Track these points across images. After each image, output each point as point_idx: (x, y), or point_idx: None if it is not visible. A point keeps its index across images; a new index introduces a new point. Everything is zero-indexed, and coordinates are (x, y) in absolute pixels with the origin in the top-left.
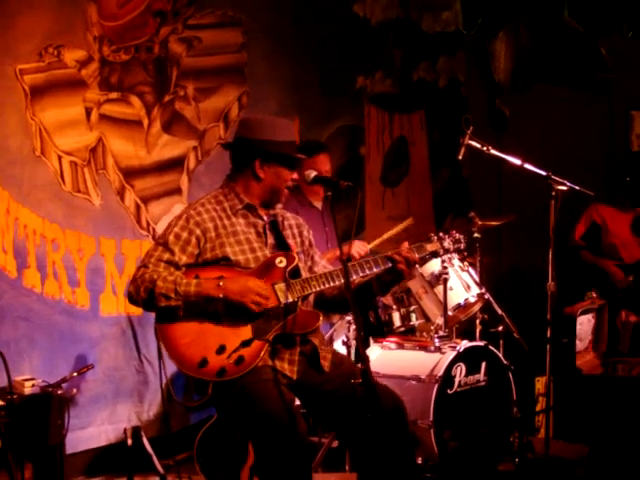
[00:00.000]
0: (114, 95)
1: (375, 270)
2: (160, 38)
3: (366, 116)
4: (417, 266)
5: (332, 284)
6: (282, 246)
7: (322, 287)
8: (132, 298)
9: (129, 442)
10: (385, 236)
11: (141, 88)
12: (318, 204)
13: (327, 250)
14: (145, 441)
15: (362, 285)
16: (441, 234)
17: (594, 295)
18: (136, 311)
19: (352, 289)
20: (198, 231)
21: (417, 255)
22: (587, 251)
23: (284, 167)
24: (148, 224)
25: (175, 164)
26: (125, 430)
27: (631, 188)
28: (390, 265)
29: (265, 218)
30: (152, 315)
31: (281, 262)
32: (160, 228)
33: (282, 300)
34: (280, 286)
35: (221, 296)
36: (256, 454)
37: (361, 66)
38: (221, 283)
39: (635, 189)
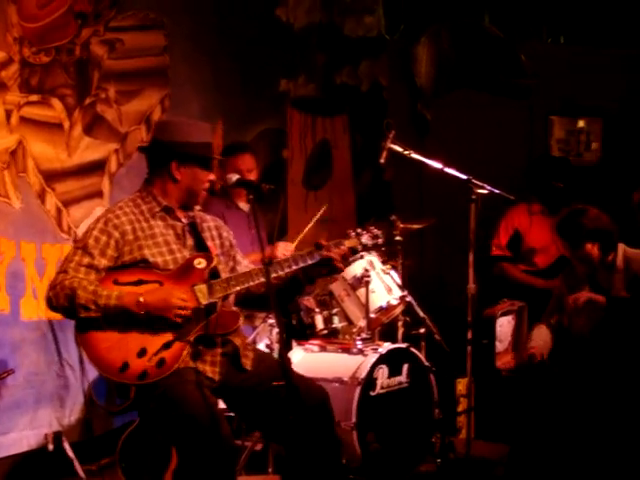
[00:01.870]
0: (35, 97)
1: (296, 267)
2: (81, 40)
3: (289, 119)
4: None
5: (252, 283)
6: (201, 248)
7: (242, 286)
8: (51, 304)
9: (50, 447)
10: (305, 229)
11: (62, 90)
12: (244, 206)
13: (252, 252)
14: (67, 446)
15: (289, 279)
16: (359, 230)
17: (507, 302)
18: (57, 315)
19: (279, 283)
20: (117, 234)
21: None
22: (509, 264)
23: (200, 168)
24: (69, 228)
25: (96, 167)
26: (46, 435)
27: (550, 193)
28: (316, 260)
29: (183, 220)
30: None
31: (200, 263)
32: (81, 232)
33: (202, 301)
34: (200, 287)
35: (142, 313)
36: (179, 457)
37: (284, 70)
38: (141, 299)
39: (554, 194)
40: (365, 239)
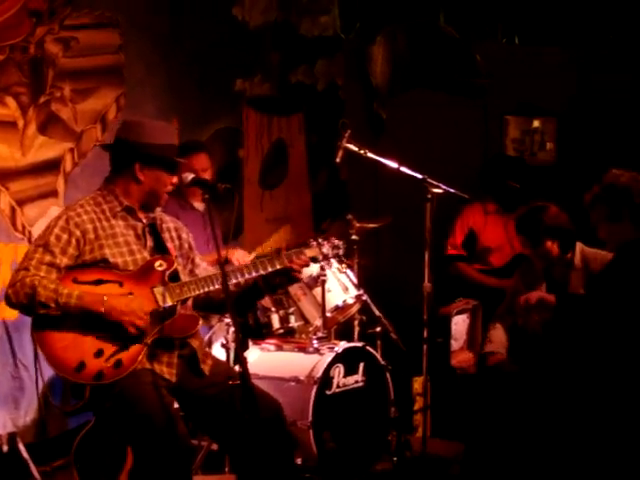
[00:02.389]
0: None
1: (256, 274)
2: (36, 38)
3: (244, 119)
4: None
5: (211, 288)
6: (161, 249)
7: (201, 291)
8: (10, 302)
9: (4, 449)
10: (265, 245)
11: (16, 89)
12: (199, 206)
13: (208, 253)
14: (21, 447)
15: (250, 285)
16: (320, 240)
17: (462, 301)
18: (11, 316)
19: (238, 290)
20: (78, 232)
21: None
22: (464, 263)
23: (164, 171)
24: (24, 227)
25: (51, 166)
26: (0, 437)
27: (505, 192)
28: (276, 268)
29: (144, 221)
30: (28, 320)
31: (160, 265)
32: (36, 231)
33: (161, 304)
34: (159, 289)
35: (103, 310)
36: (135, 458)
37: (240, 69)
38: (105, 298)
39: (508, 193)
40: (326, 249)
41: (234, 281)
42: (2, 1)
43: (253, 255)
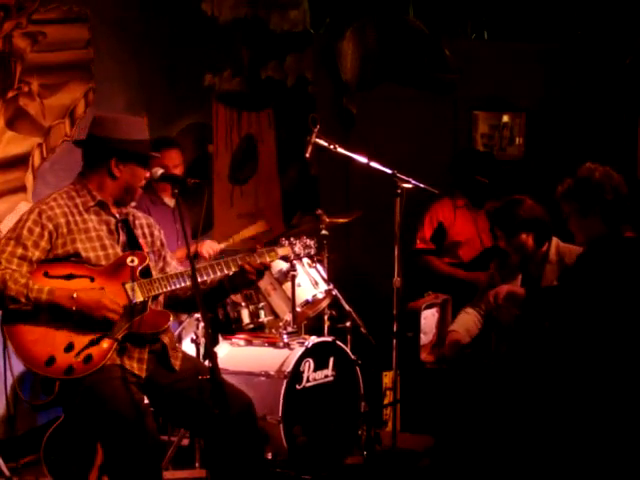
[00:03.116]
0: None
1: (225, 272)
2: (3, 33)
3: (214, 114)
4: None
5: (182, 285)
6: (133, 245)
7: (172, 287)
8: None
9: None
10: (236, 237)
11: None
12: (170, 202)
13: (178, 248)
14: None
15: (215, 285)
16: (292, 239)
17: (431, 295)
18: None
19: (205, 288)
20: (50, 226)
21: (268, 259)
22: (433, 257)
23: (139, 166)
24: None
25: (19, 161)
26: None
27: (473, 187)
28: (235, 269)
29: (117, 216)
30: None
31: (132, 261)
32: (5, 227)
33: (132, 299)
34: (131, 285)
35: (74, 309)
36: (105, 453)
37: (209, 64)
38: (75, 295)
39: (477, 188)
40: (298, 248)
41: (204, 278)
42: None
43: (222, 245)
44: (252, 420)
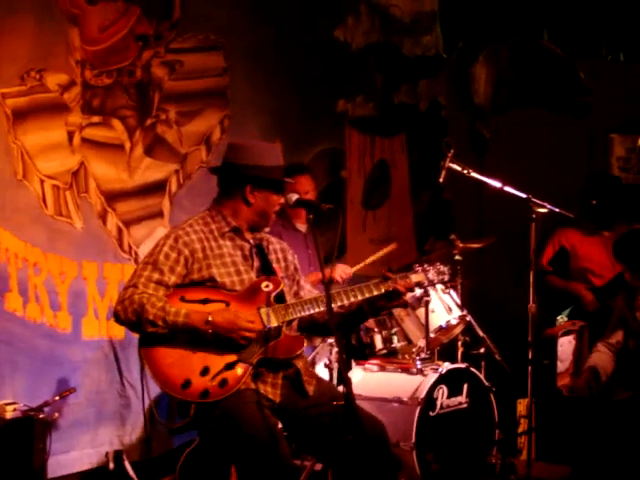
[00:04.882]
0: (96, 119)
1: (362, 297)
2: (142, 62)
3: (347, 140)
4: None
5: (317, 310)
6: (267, 270)
7: (307, 313)
8: (119, 318)
9: (111, 466)
10: (368, 260)
11: (123, 112)
12: (301, 227)
13: (310, 273)
14: (127, 465)
15: (354, 309)
16: (426, 266)
17: (564, 320)
18: (118, 334)
19: (343, 312)
20: (187, 251)
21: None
22: (554, 276)
23: (273, 192)
24: (130, 247)
25: (157, 187)
26: (107, 454)
27: (596, 211)
28: (381, 292)
29: (251, 241)
30: (134, 338)
31: (267, 286)
32: (142, 252)
33: (267, 324)
34: (265, 310)
35: (210, 331)
36: (239, 477)
37: (342, 90)
38: (210, 318)
39: (600, 212)
40: (431, 275)
41: (339, 304)
42: (109, 26)
43: (355, 269)
44: (385, 446)
